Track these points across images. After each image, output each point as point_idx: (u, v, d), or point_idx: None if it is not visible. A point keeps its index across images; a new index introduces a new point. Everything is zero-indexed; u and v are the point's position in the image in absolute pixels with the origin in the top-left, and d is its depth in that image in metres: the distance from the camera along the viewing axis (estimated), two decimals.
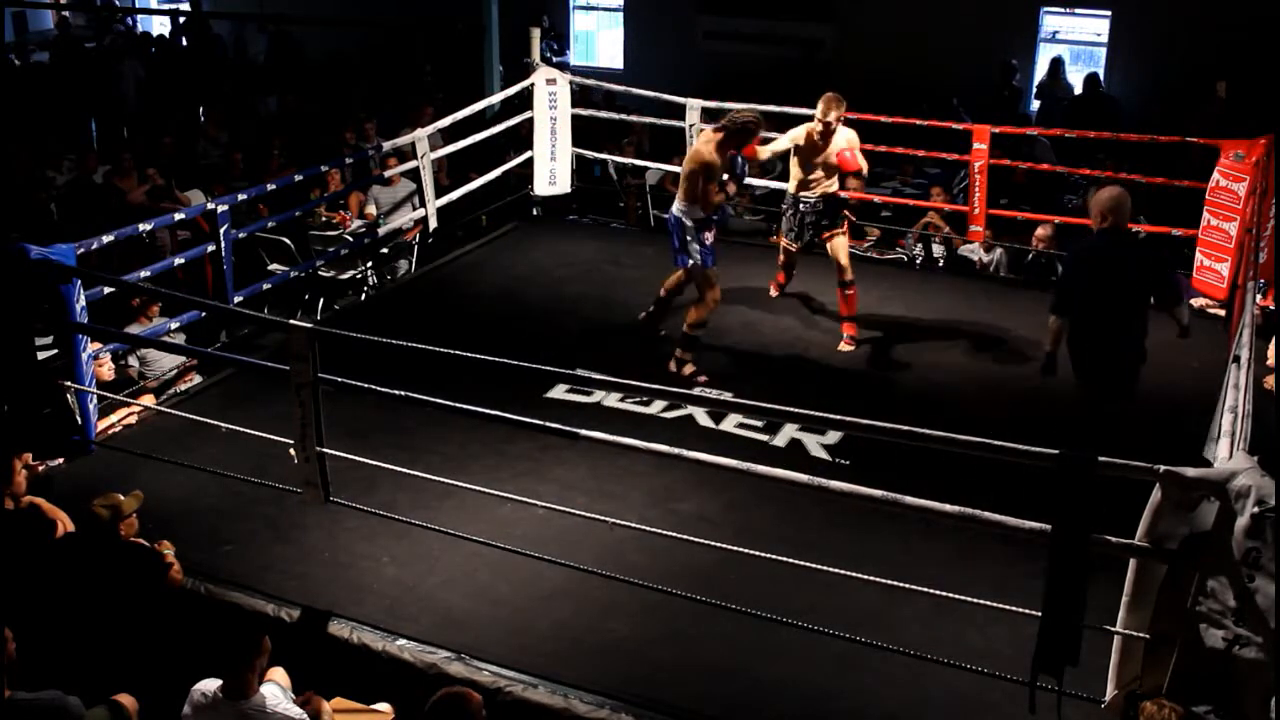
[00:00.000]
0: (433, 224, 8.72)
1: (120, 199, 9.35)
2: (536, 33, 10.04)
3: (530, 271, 8.47)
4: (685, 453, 4.28)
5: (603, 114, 10.44)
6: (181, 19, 17.56)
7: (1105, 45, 13.69)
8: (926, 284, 8.39)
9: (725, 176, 6.55)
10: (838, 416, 4.00)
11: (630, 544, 4.91)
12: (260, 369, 5.39)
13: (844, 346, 7.15)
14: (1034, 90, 13.59)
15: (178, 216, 7.36)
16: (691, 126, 8.96)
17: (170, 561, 4.70)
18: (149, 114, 12.95)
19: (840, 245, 7.15)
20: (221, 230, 6.87)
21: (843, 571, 4.15)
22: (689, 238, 6.55)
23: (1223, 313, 7.43)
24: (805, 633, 4.27)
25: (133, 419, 6.19)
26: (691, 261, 6.59)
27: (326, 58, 15.39)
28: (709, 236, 6.58)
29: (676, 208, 6.61)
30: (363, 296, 8.81)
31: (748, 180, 7.01)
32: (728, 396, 5.45)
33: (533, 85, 9.29)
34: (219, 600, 4.74)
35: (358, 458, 4.84)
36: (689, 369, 6.66)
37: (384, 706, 4.27)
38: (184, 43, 16.80)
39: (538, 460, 5.72)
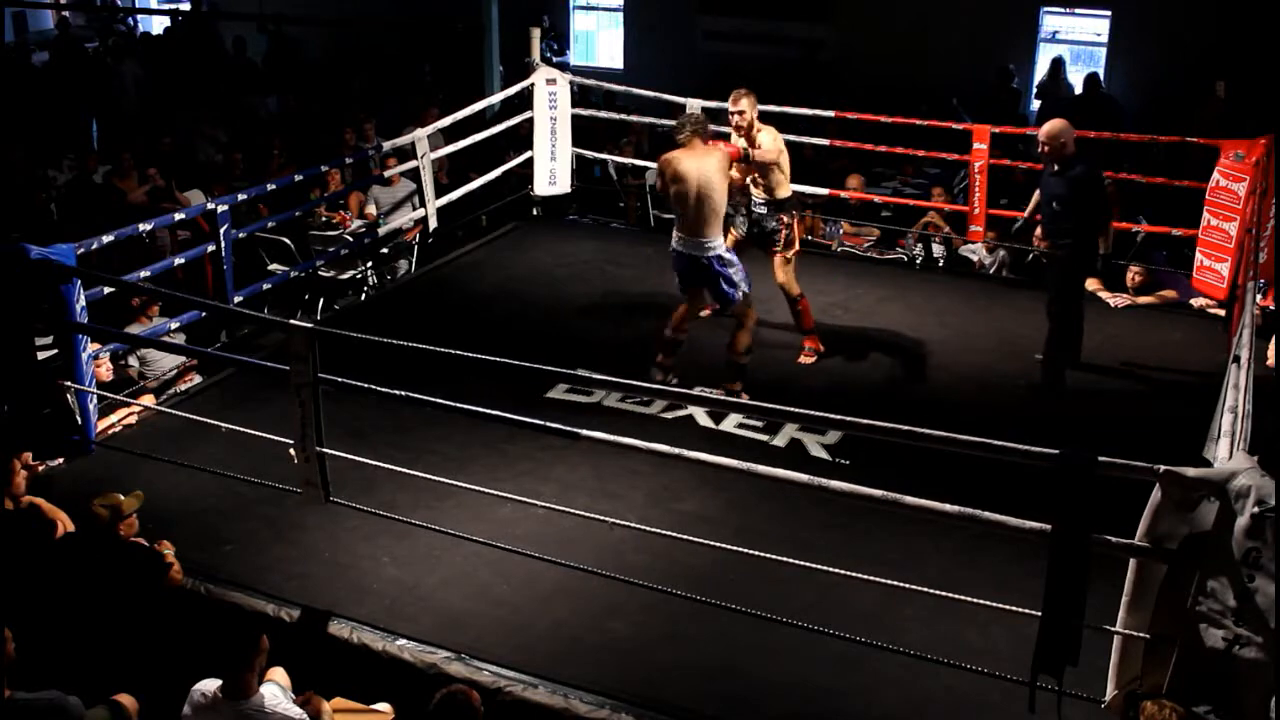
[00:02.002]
0: (433, 224, 8.72)
1: (120, 199, 9.35)
2: (536, 33, 10.05)
3: (530, 271, 8.47)
4: (685, 453, 4.27)
5: (603, 114, 10.44)
6: (180, 19, 17.55)
7: (1105, 45, 13.70)
8: (926, 284, 8.39)
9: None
10: (838, 416, 4.00)
11: (630, 544, 4.91)
12: (260, 369, 5.38)
13: (803, 359, 6.92)
14: (1034, 90, 13.59)
15: (178, 216, 7.36)
16: None
17: (170, 561, 4.70)
18: (149, 114, 12.94)
19: (778, 265, 6.76)
20: (221, 230, 6.87)
21: (843, 571, 4.15)
22: (733, 271, 6.20)
23: (1223, 313, 7.43)
24: (805, 633, 4.26)
25: (133, 419, 6.19)
26: (741, 293, 6.27)
27: (326, 57, 15.39)
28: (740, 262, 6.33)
29: (713, 246, 6.14)
30: (363, 296, 8.81)
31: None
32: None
33: (533, 85, 9.29)
34: (219, 600, 4.74)
35: (358, 458, 4.84)
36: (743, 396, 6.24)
37: (384, 706, 4.28)
38: (182, 43, 16.80)
39: (538, 460, 5.72)
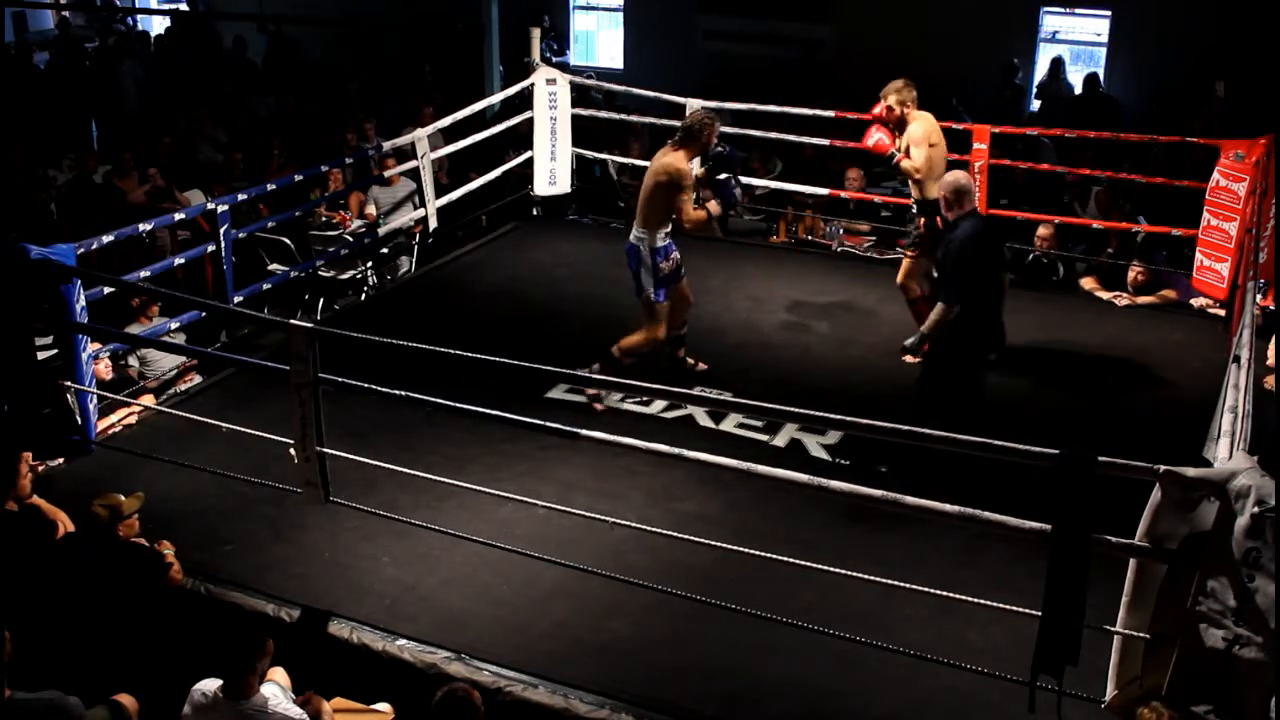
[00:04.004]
0: (433, 224, 8.72)
1: (120, 199, 9.35)
2: (536, 33, 10.04)
3: (530, 271, 8.48)
4: (685, 453, 4.27)
5: (603, 114, 10.44)
6: (180, 19, 17.57)
7: (1105, 45, 13.70)
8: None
9: (710, 190, 6.21)
10: (838, 416, 4.00)
11: (630, 544, 4.91)
12: (260, 369, 5.39)
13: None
14: (1034, 90, 13.60)
15: (178, 216, 7.36)
16: None
17: (170, 561, 4.70)
18: (149, 114, 12.94)
19: (903, 267, 6.67)
20: (221, 230, 6.87)
21: (843, 571, 4.15)
22: (643, 267, 6.18)
23: (1223, 313, 7.43)
24: (805, 633, 4.26)
25: (132, 419, 6.19)
26: (645, 293, 6.24)
27: (326, 57, 15.39)
28: (665, 265, 6.20)
29: (633, 234, 6.24)
30: (363, 296, 8.82)
31: (737, 188, 6.35)
32: (728, 396, 5.46)
33: (533, 85, 9.29)
34: (219, 600, 4.75)
35: (358, 458, 4.84)
36: (591, 392, 6.27)
37: (384, 706, 4.28)
38: (181, 41, 16.82)
39: (538, 460, 5.72)
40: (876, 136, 6.55)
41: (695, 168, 6.32)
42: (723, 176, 6.26)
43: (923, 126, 6.52)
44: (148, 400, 6.43)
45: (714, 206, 6.30)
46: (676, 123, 8.90)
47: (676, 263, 6.30)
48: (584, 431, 4.42)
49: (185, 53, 15.49)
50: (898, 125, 6.57)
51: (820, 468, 5.63)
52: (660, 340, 6.40)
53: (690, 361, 6.73)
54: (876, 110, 6.62)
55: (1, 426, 5.42)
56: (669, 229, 6.22)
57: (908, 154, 6.50)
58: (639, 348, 6.35)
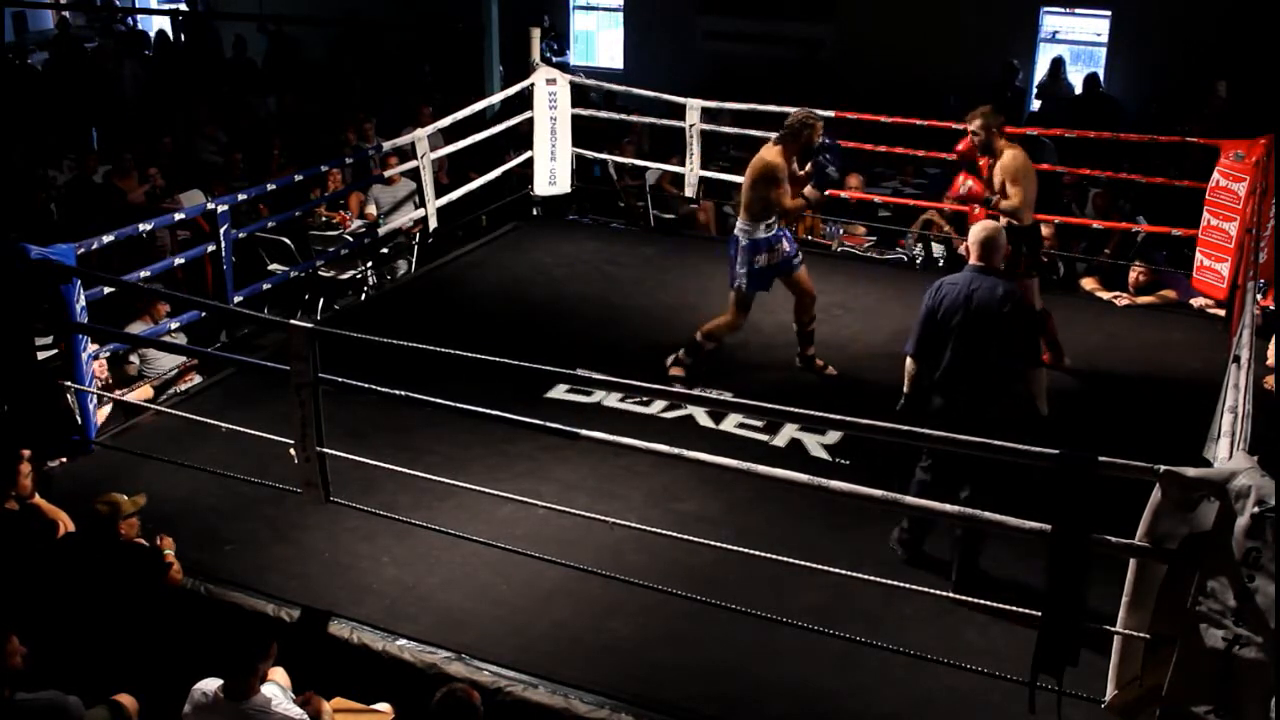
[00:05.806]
0: (433, 224, 8.72)
1: (120, 199, 9.35)
2: (536, 33, 10.04)
3: (530, 271, 8.47)
4: (685, 453, 4.27)
5: (603, 114, 10.44)
6: (180, 19, 17.56)
7: (1105, 45, 13.70)
8: (926, 284, 8.32)
9: (808, 179, 6.33)
10: (838, 416, 3.99)
11: (630, 544, 4.91)
12: (260, 369, 5.39)
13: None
14: (1034, 90, 13.60)
15: (178, 216, 7.36)
16: (691, 126, 8.96)
17: (170, 561, 4.70)
18: (149, 114, 12.94)
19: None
20: (221, 230, 6.87)
21: (843, 571, 4.15)
22: (740, 258, 6.41)
23: (1223, 313, 7.43)
24: (805, 633, 4.26)
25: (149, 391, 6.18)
26: (737, 283, 6.49)
27: (326, 57, 15.39)
28: (761, 259, 6.41)
29: (738, 225, 6.48)
30: (363, 296, 8.82)
31: (831, 171, 6.32)
32: (728, 396, 5.46)
33: (533, 85, 9.29)
34: (219, 600, 4.75)
35: (358, 458, 4.84)
36: (676, 370, 6.62)
37: (384, 706, 4.28)
38: (182, 40, 16.80)
39: (538, 460, 5.72)
40: (967, 185, 6.28)
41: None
42: (819, 160, 6.29)
43: (1017, 158, 6.23)
44: (146, 395, 6.43)
45: (810, 191, 6.39)
46: (677, 123, 9.03)
47: (783, 255, 6.47)
48: (584, 431, 4.42)
49: (185, 52, 15.46)
50: (984, 150, 6.32)
51: (820, 468, 5.63)
52: (738, 328, 6.63)
53: (819, 364, 6.80)
54: (961, 146, 6.42)
55: (1, 426, 5.42)
56: (773, 220, 6.38)
57: (1002, 190, 6.24)
58: (719, 332, 6.62)
